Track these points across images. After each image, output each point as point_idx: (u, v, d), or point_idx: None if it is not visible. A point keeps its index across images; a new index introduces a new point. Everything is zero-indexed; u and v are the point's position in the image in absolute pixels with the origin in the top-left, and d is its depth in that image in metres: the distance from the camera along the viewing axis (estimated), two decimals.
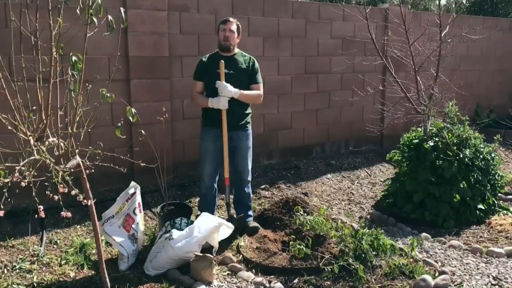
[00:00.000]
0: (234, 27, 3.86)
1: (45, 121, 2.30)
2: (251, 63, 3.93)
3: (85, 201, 2.40)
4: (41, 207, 2.22)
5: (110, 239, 3.28)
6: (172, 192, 4.66)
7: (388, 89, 5.76)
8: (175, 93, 4.91)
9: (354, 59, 6.17)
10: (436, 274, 3.19)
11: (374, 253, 3.26)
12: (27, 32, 2.28)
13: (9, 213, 3.80)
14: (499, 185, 4.66)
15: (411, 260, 3.32)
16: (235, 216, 3.98)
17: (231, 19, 3.91)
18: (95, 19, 2.21)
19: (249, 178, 4.06)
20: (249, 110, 4.00)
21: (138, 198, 3.46)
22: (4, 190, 2.03)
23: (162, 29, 4.72)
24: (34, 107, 2.28)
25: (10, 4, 2.88)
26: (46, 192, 2.26)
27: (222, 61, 3.77)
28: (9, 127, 2.25)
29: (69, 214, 2.33)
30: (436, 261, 3.44)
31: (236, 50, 3.95)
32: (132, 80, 4.59)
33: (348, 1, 11.55)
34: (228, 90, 3.72)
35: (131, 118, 2.45)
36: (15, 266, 3.23)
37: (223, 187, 4.05)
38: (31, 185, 2.12)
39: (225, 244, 3.64)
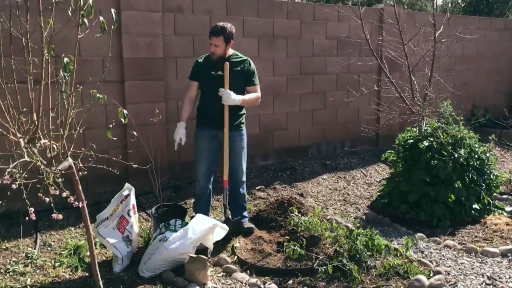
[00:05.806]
0: (219, 42, 3.70)
1: (36, 123, 2.29)
2: (246, 65, 3.86)
3: (76, 203, 2.39)
4: (32, 209, 2.20)
5: (104, 241, 3.26)
6: (167, 194, 4.65)
7: (383, 89, 5.76)
8: (169, 94, 4.89)
9: (349, 60, 6.17)
10: (431, 274, 3.19)
11: (368, 253, 3.26)
12: (17, 34, 2.26)
13: (2, 216, 3.81)
14: (494, 184, 4.65)
15: (405, 260, 3.32)
16: (232, 218, 3.97)
17: (218, 29, 3.68)
18: (86, 21, 2.20)
19: (244, 179, 4.04)
20: (243, 111, 3.98)
21: (133, 200, 3.44)
22: None
23: (157, 30, 4.70)
24: (24, 109, 2.27)
25: None
26: (39, 194, 2.25)
27: (227, 63, 3.69)
28: None
29: (60, 216, 2.31)
30: (431, 261, 3.44)
31: (231, 51, 3.87)
32: (127, 81, 4.58)
33: (344, 2, 11.55)
34: (232, 98, 3.66)
35: (122, 120, 2.44)
36: (9, 268, 3.22)
37: (222, 189, 4.03)
38: (21, 187, 2.11)
39: (220, 245, 3.63)
